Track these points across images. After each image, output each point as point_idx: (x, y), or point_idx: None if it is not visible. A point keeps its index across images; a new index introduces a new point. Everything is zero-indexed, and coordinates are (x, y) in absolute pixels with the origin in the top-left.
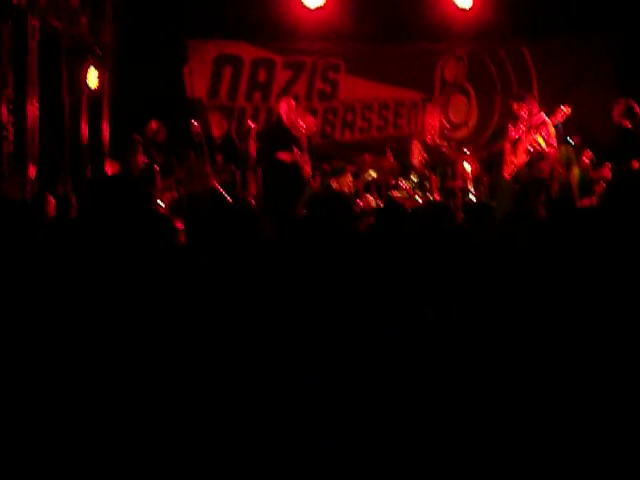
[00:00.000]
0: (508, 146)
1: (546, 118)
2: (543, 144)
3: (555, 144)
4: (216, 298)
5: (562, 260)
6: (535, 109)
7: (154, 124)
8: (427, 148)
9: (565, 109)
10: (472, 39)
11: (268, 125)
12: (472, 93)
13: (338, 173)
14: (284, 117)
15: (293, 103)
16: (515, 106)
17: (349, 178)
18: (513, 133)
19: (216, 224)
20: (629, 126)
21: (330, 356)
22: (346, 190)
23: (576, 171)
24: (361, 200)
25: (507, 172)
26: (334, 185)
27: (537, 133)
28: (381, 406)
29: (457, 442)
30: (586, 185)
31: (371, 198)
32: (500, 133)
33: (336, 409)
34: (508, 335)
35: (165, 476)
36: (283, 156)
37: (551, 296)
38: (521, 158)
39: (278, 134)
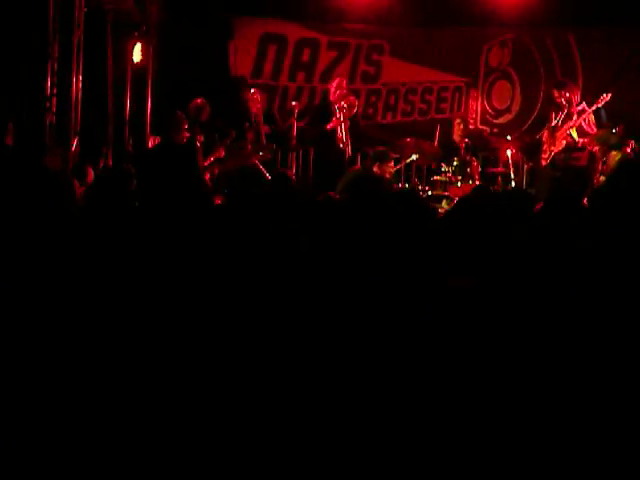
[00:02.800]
0: (546, 133)
1: (587, 107)
2: (575, 135)
3: (593, 132)
4: (250, 271)
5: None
6: (577, 98)
7: (199, 100)
8: (469, 133)
9: (605, 96)
10: (518, 25)
11: (312, 104)
12: (516, 79)
13: (381, 159)
14: (332, 95)
15: (344, 84)
16: (556, 93)
17: (391, 165)
18: (553, 120)
19: (254, 200)
20: None
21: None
22: (387, 177)
23: (615, 155)
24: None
25: (543, 159)
26: (375, 170)
27: (574, 123)
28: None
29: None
30: None
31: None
32: (543, 120)
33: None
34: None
35: (164, 476)
36: (330, 126)
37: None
38: (558, 145)
39: (323, 112)
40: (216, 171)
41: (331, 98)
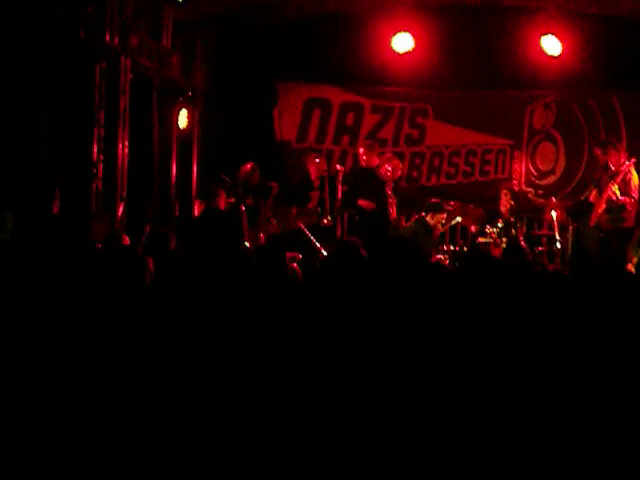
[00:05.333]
0: (594, 194)
1: (632, 168)
2: (618, 193)
3: (636, 194)
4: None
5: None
6: (622, 158)
7: (249, 166)
8: (514, 195)
9: None
10: (561, 87)
11: (354, 169)
12: (560, 141)
13: (435, 209)
14: (361, 159)
15: (374, 145)
16: (598, 152)
17: (444, 217)
18: (601, 181)
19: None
20: None
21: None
22: (439, 228)
23: None
24: (437, 253)
25: (593, 220)
26: (429, 220)
27: (616, 182)
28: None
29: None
30: None
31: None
32: (587, 181)
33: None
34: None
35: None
36: (363, 203)
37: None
38: (603, 205)
39: (364, 178)
40: (262, 235)
41: (362, 164)
